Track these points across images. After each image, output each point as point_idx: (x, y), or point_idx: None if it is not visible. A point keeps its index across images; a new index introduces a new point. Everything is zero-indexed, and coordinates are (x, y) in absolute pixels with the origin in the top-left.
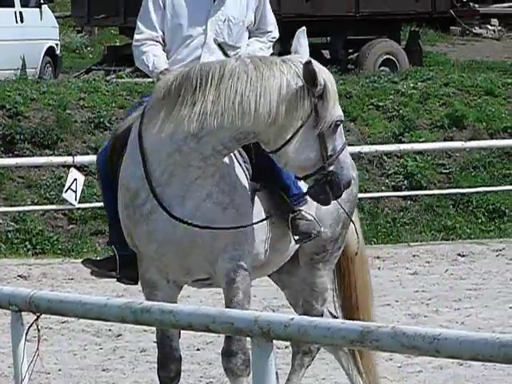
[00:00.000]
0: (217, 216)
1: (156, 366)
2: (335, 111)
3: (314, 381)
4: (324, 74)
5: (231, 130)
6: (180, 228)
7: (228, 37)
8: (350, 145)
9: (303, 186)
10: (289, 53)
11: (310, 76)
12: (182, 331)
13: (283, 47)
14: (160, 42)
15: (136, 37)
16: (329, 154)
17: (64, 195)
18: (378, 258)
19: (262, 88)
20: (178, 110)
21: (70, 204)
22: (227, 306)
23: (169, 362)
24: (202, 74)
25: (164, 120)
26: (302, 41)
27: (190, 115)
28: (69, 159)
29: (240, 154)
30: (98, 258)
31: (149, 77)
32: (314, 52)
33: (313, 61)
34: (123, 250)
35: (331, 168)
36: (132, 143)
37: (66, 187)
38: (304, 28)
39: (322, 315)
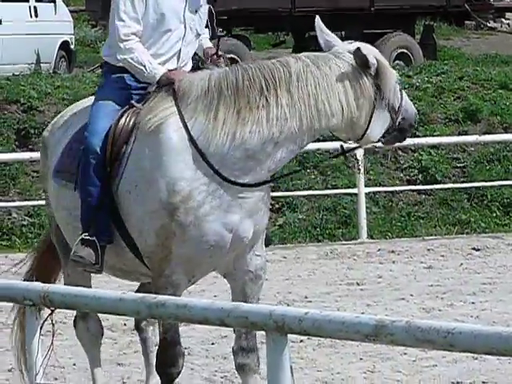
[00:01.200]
0: (264, 215)
1: (162, 364)
2: (392, 76)
3: (328, 374)
4: (370, 51)
5: (310, 132)
6: (239, 227)
7: (199, 27)
8: None
9: None
10: (306, 46)
11: (362, 61)
12: (195, 325)
13: (297, 41)
14: (140, 37)
15: (123, 31)
16: (396, 110)
17: None
18: (393, 251)
19: (329, 86)
20: (245, 113)
21: None
22: (247, 301)
23: (179, 358)
24: (266, 77)
25: (226, 122)
26: (325, 30)
27: (268, 119)
28: None
29: None
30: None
31: None
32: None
33: (358, 44)
34: (103, 241)
35: (399, 118)
36: (174, 143)
37: None
38: (318, 17)
39: None
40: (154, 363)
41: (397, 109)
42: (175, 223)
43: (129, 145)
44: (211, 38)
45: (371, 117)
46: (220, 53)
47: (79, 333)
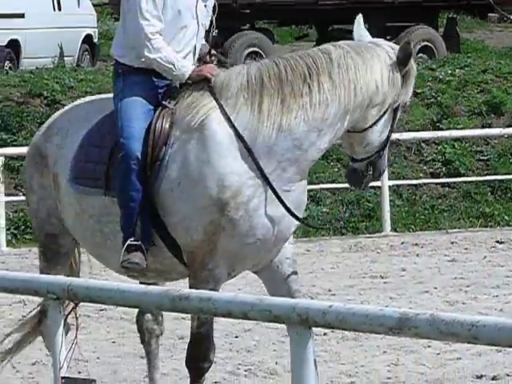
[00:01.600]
0: (303, 207)
1: (193, 358)
2: (410, 92)
3: (352, 367)
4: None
5: (349, 119)
6: (282, 222)
7: (206, 21)
8: None
9: None
10: (329, 39)
11: (405, 56)
12: (219, 319)
13: (320, 34)
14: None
15: (149, 29)
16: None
17: None
18: (417, 244)
19: (368, 73)
20: (289, 101)
21: None
22: (291, 289)
23: (211, 352)
24: (308, 65)
25: (271, 113)
26: (363, 26)
27: (311, 105)
28: None
29: None
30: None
31: None
32: (352, 39)
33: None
34: (148, 244)
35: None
36: (220, 139)
37: None
38: (360, 15)
39: None
40: (158, 375)
41: (391, 128)
42: (225, 218)
43: (168, 145)
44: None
45: (387, 110)
46: (213, 52)
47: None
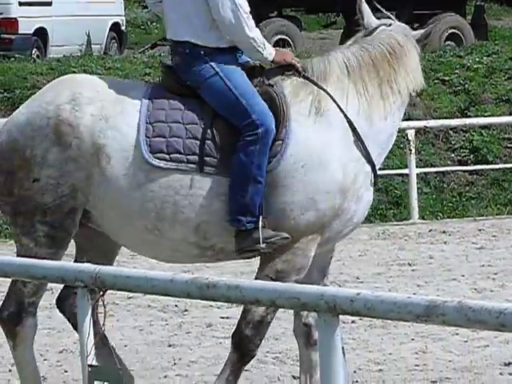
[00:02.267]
0: None
1: (248, 343)
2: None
3: (380, 355)
4: None
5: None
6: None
7: None
8: (416, 119)
9: None
10: (357, 27)
11: (426, 36)
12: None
13: (348, 22)
14: None
15: (246, 8)
16: None
17: None
18: (444, 232)
19: (416, 60)
20: (383, 86)
21: None
22: (326, 275)
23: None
24: (389, 50)
25: (375, 98)
26: (368, 10)
27: (394, 91)
28: None
29: None
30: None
31: None
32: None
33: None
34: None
35: None
36: (338, 124)
37: None
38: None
39: None
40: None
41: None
42: (347, 204)
43: (286, 126)
44: None
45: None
46: None
47: (27, 330)
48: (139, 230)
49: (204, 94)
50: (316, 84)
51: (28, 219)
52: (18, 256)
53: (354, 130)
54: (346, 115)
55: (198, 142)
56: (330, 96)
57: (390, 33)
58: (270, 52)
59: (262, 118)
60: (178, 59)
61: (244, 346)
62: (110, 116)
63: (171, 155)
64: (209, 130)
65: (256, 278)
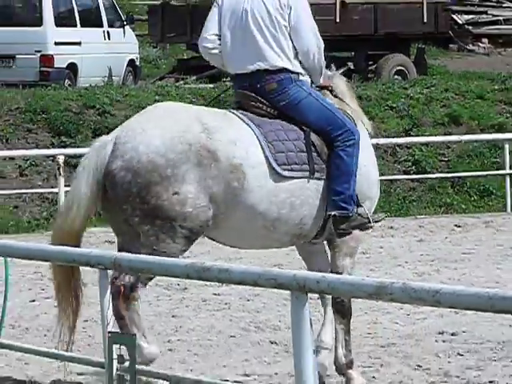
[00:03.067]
0: None
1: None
2: None
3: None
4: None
5: None
6: None
7: None
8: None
9: None
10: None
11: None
12: (237, 286)
13: None
14: None
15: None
16: None
17: None
18: (392, 227)
19: None
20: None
21: None
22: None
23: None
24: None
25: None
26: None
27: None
28: None
29: None
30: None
31: (209, 82)
32: (341, 64)
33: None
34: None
35: None
36: (365, 132)
37: None
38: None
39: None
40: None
41: None
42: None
43: None
44: None
45: None
46: None
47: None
48: (258, 228)
49: (299, 112)
50: (344, 101)
51: (168, 223)
52: (143, 246)
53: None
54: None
55: (306, 154)
56: (355, 110)
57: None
58: (321, 76)
59: (353, 127)
60: (272, 85)
61: (346, 310)
62: (236, 140)
63: (291, 166)
64: (309, 143)
65: (333, 257)
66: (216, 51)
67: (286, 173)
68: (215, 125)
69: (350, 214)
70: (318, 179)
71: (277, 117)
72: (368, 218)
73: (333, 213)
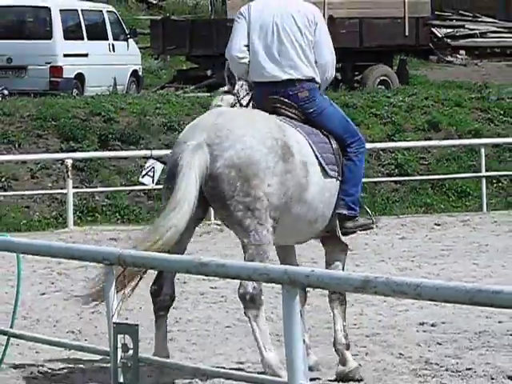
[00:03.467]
0: None
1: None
2: None
3: (328, 316)
4: None
5: None
6: None
7: None
8: None
9: None
10: None
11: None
12: (231, 280)
13: None
14: None
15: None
16: None
17: (141, 179)
18: (376, 226)
19: None
20: None
21: (146, 185)
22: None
23: None
24: None
25: None
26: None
27: None
28: (148, 153)
29: None
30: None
31: (207, 91)
32: None
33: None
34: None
35: None
36: None
37: (143, 174)
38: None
39: None
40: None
41: None
42: None
43: None
44: None
45: None
46: None
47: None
48: (305, 224)
49: (323, 119)
50: None
51: (263, 213)
52: (253, 240)
53: None
54: None
55: (334, 156)
56: None
57: None
58: None
59: (362, 136)
60: (304, 93)
61: (343, 299)
62: (297, 139)
63: (329, 166)
64: (333, 147)
65: (332, 253)
66: (245, 60)
67: (332, 173)
68: (281, 124)
69: (357, 215)
70: (338, 180)
71: (305, 122)
72: (372, 219)
73: (343, 212)
